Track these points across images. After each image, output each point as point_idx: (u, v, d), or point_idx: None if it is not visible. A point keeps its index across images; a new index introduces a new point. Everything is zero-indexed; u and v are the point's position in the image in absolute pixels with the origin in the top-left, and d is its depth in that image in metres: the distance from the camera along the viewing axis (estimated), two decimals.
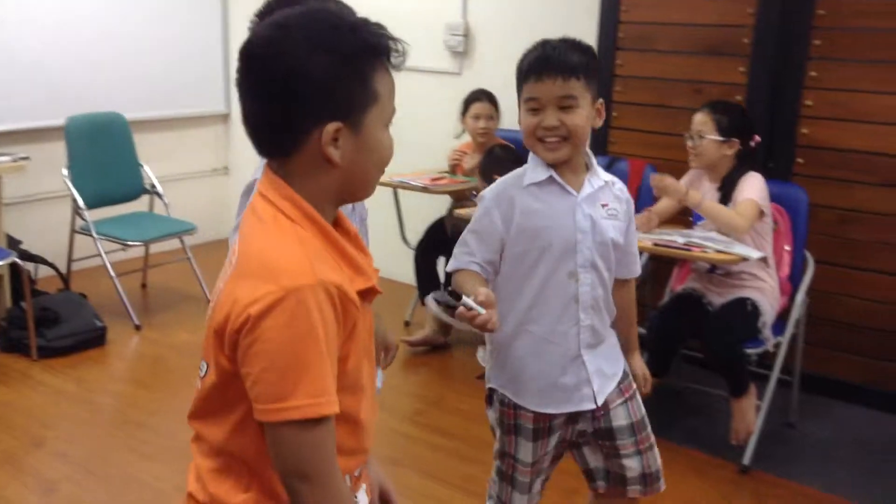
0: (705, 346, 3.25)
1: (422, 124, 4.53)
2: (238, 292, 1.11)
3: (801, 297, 3.34)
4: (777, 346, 3.25)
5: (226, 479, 1.22)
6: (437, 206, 4.44)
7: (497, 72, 4.23)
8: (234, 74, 1.21)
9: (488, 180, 3.87)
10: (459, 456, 3.24)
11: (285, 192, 1.17)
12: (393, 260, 4.37)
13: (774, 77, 3.71)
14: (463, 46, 4.62)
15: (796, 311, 3.33)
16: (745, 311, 3.17)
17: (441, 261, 4.25)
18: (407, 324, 4.48)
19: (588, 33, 4.06)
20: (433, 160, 4.49)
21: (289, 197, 1.17)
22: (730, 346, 3.12)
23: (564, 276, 1.91)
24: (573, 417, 2.00)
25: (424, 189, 4.10)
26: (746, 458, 3.17)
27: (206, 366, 1.21)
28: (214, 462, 1.23)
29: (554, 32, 2.00)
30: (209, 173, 5.85)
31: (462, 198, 4.26)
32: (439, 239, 4.22)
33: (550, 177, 1.91)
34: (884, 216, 3.54)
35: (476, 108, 4.16)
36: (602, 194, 1.96)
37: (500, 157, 3.89)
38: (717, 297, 3.29)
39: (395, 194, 4.39)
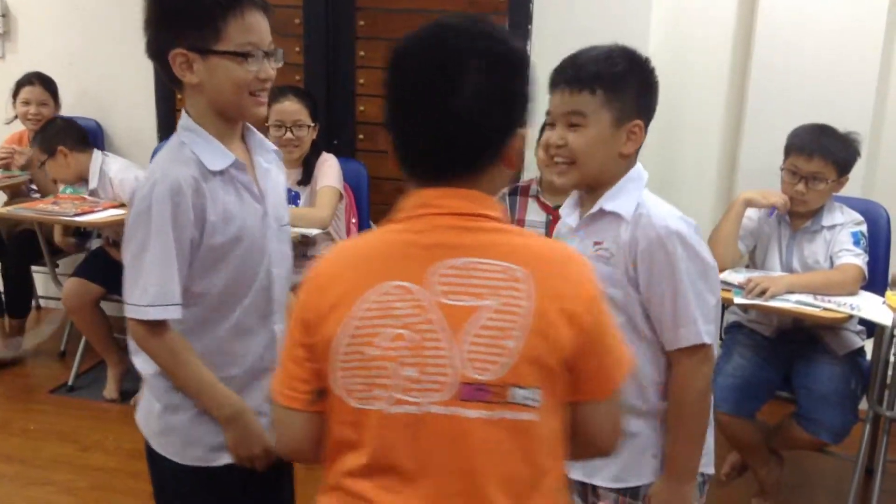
0: None
1: None
2: (572, 280, 1.15)
3: None
4: None
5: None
6: None
7: (50, 55, 3.84)
8: None
9: (51, 152, 3.54)
10: (23, 480, 2.93)
11: (486, 201, 1.17)
12: None
13: (328, 57, 3.84)
14: (1, 28, 4.18)
15: None
16: None
17: None
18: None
19: None
20: None
21: (494, 205, 1.19)
22: None
23: None
24: None
25: None
26: None
27: (539, 394, 1.12)
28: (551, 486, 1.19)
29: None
30: None
31: (17, 194, 3.89)
32: None
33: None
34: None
35: (26, 92, 3.81)
36: (600, 228, 1.57)
37: (61, 127, 3.57)
38: None
39: None
